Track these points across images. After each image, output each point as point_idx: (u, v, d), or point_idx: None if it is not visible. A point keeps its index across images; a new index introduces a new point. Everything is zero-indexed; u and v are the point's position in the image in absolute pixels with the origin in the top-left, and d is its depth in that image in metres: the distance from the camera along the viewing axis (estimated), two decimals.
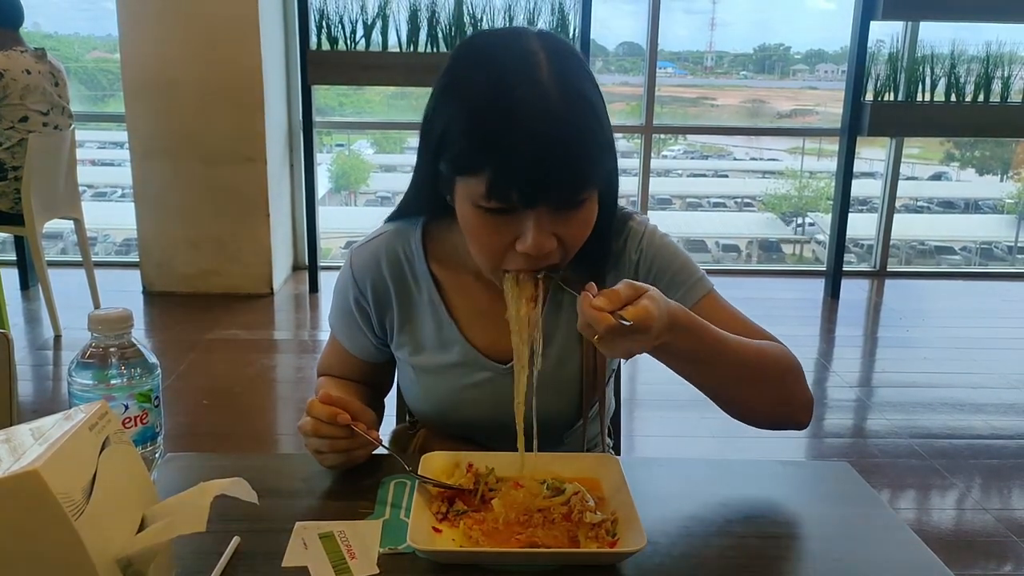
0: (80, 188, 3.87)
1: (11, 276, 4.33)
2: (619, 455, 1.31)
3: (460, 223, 0.99)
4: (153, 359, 0.97)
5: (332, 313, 1.23)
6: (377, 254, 1.16)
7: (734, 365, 1.01)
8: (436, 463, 1.02)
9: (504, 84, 0.89)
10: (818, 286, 4.69)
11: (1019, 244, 6.70)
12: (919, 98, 4.36)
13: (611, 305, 0.87)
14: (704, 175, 8.24)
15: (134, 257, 4.59)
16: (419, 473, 0.98)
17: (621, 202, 1.11)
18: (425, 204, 0.99)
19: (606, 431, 1.29)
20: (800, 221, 6.93)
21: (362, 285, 1.16)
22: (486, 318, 1.03)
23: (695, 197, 8.02)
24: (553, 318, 1.14)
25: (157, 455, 1.00)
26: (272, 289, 4.39)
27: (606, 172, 0.96)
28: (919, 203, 7.25)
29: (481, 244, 0.98)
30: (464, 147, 0.91)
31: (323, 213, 4.90)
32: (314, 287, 4.51)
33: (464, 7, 4.17)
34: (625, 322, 0.86)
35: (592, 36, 4.23)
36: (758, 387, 1.05)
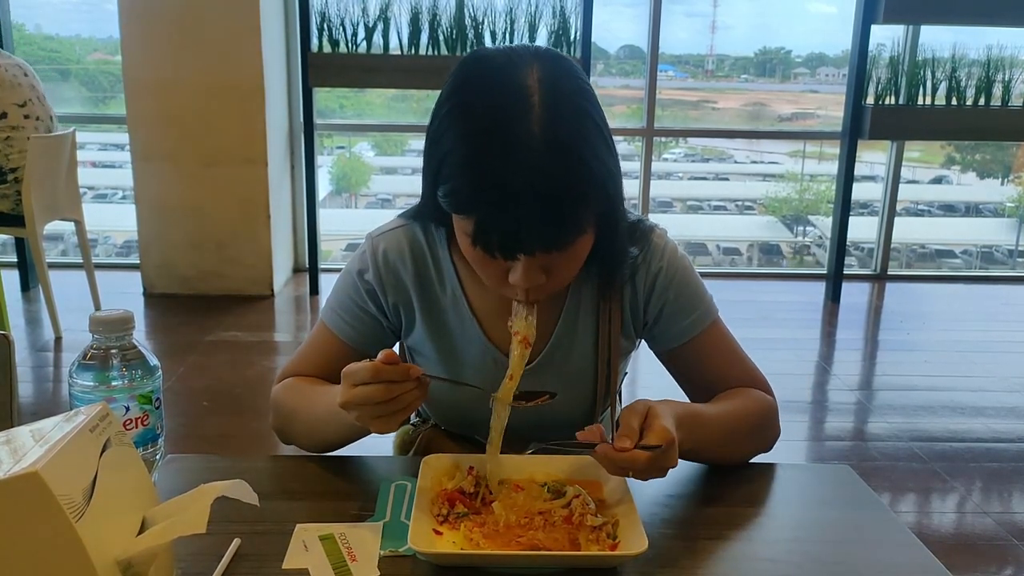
0: (80, 190, 3.87)
1: (12, 278, 4.34)
2: None
3: (459, 244, 1.00)
4: (154, 361, 0.97)
5: (333, 302, 1.17)
6: (399, 241, 1.14)
7: (719, 435, 1.06)
8: (437, 465, 1.02)
9: (492, 136, 0.89)
10: (819, 289, 4.68)
11: (1020, 248, 6.69)
12: (920, 102, 4.36)
13: (633, 441, 0.90)
14: (705, 178, 8.22)
15: (135, 259, 4.58)
16: (419, 472, 0.98)
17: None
18: (434, 212, 1.00)
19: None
20: (802, 229, 6.92)
21: (382, 266, 1.13)
22: (506, 315, 1.03)
23: (696, 200, 8.00)
24: (570, 325, 1.15)
25: (158, 457, 1.00)
26: (273, 291, 4.39)
27: (599, 208, 0.95)
28: (920, 207, 7.24)
29: (478, 269, 1.01)
30: (454, 188, 0.92)
31: (324, 215, 4.91)
32: (315, 289, 4.51)
33: (465, 10, 4.17)
34: (655, 448, 0.90)
35: (593, 39, 4.24)
36: (738, 446, 1.11)
